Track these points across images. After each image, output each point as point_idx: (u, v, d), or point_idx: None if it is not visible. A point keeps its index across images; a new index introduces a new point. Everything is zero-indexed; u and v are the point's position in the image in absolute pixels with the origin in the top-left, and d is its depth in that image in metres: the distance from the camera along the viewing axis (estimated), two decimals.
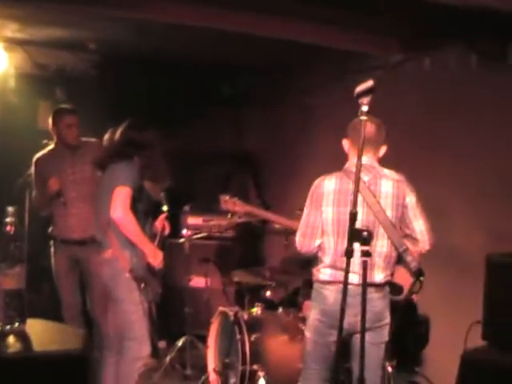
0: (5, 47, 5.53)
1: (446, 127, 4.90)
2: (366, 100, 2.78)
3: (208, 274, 5.73)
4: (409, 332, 4.75)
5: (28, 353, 2.24)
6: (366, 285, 2.89)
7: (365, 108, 2.78)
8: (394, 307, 3.53)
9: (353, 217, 2.79)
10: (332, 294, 3.39)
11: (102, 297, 4.81)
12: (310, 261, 5.21)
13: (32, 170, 5.18)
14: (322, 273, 3.46)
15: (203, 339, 5.22)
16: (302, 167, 6.45)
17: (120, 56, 6.13)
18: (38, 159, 5.20)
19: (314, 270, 3.53)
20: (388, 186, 3.43)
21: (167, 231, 4.38)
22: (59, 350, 2.25)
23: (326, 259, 3.44)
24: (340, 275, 3.12)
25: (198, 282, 5.76)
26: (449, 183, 4.82)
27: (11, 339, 2.33)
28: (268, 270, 4.98)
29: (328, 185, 3.42)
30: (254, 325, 4.56)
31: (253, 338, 4.47)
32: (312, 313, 3.53)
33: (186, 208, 5.95)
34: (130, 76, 6.26)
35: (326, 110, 6.07)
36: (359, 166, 2.84)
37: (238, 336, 4.44)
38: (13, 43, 5.68)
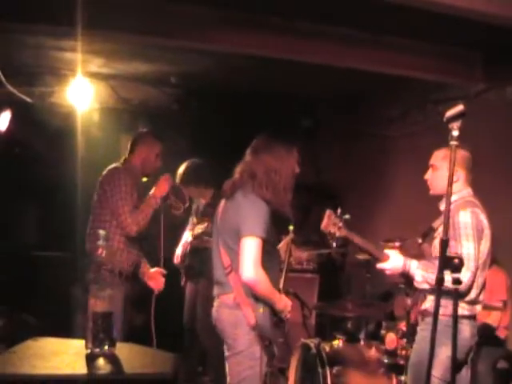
0: (90, 82, 5.67)
1: None
2: (456, 125, 2.72)
3: None
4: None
5: (118, 375, 2.24)
6: (456, 316, 2.80)
7: (455, 133, 2.72)
8: None
9: (444, 244, 2.71)
10: (468, 329, 3.37)
11: None
12: (392, 293, 5.15)
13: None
14: (461, 307, 3.26)
15: (283, 372, 5.14)
16: (383, 199, 6.37)
17: (200, 90, 6.24)
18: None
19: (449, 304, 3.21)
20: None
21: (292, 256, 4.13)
22: (149, 373, 2.25)
23: (472, 293, 3.39)
24: (475, 309, 3.41)
25: None
26: None
27: (101, 361, 2.34)
28: (349, 303, 4.87)
29: (483, 219, 3.43)
30: (335, 357, 4.48)
31: (334, 370, 4.39)
32: (442, 351, 3.19)
33: None
34: (210, 109, 6.34)
35: (406, 141, 5.99)
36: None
37: (320, 369, 4.37)
38: (98, 78, 5.87)
